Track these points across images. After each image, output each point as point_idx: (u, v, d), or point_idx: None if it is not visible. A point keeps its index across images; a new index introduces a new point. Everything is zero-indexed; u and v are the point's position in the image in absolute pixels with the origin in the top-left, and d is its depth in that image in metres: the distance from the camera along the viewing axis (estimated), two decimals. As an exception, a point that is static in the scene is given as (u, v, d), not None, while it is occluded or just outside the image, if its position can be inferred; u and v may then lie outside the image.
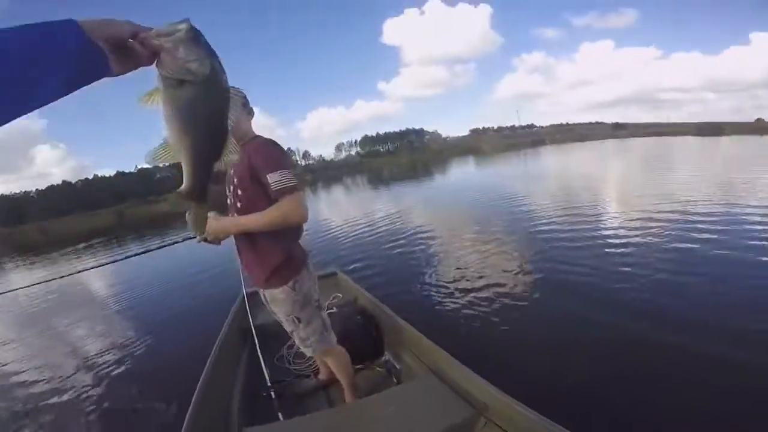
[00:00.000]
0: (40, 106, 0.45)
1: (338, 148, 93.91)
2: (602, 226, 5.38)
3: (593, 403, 1.94)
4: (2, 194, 65.05)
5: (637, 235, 4.71)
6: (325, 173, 65.10)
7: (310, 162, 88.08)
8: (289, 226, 1.41)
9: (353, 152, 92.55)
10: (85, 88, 0.49)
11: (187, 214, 0.72)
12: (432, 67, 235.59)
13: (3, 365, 3.72)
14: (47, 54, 0.42)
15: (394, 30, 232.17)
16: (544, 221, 6.04)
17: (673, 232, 4.62)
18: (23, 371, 3.46)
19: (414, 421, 1.42)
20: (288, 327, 1.60)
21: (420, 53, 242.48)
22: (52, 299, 6.48)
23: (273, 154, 1.39)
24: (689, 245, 4.11)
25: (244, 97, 1.46)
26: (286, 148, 1.58)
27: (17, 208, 58.96)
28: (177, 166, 0.58)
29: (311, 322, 1.56)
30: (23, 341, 4.37)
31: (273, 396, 1.80)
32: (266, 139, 1.46)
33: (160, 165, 0.58)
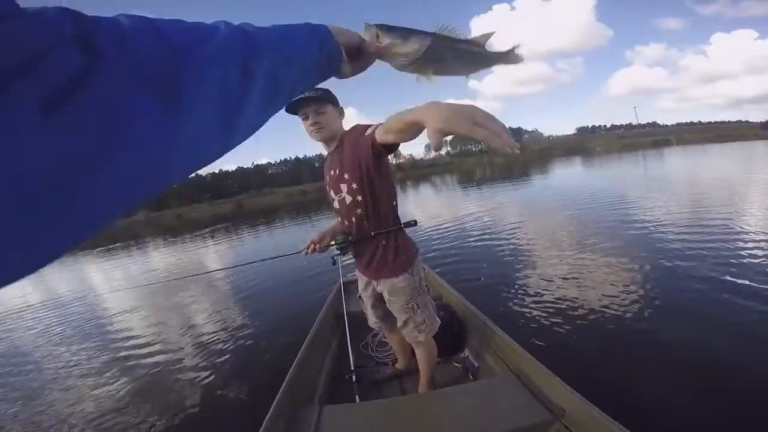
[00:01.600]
0: (304, 91, 0.54)
1: (427, 147, 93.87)
2: (743, 248, 4.25)
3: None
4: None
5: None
6: (414, 172, 65.51)
7: (401, 161, 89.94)
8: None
9: (443, 151, 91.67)
10: None
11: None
12: (529, 63, 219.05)
13: (134, 341, 4.59)
14: (322, 45, 0.49)
15: (481, 27, 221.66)
16: (661, 237, 5.17)
17: None
18: (147, 343, 4.13)
19: (485, 418, 1.38)
20: (403, 316, 1.60)
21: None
22: (173, 287, 7.56)
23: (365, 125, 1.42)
24: None
25: (334, 97, 1.53)
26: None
27: (159, 197, 73.90)
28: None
29: (427, 305, 1.61)
30: (155, 324, 5.13)
31: (354, 379, 1.92)
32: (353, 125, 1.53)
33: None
